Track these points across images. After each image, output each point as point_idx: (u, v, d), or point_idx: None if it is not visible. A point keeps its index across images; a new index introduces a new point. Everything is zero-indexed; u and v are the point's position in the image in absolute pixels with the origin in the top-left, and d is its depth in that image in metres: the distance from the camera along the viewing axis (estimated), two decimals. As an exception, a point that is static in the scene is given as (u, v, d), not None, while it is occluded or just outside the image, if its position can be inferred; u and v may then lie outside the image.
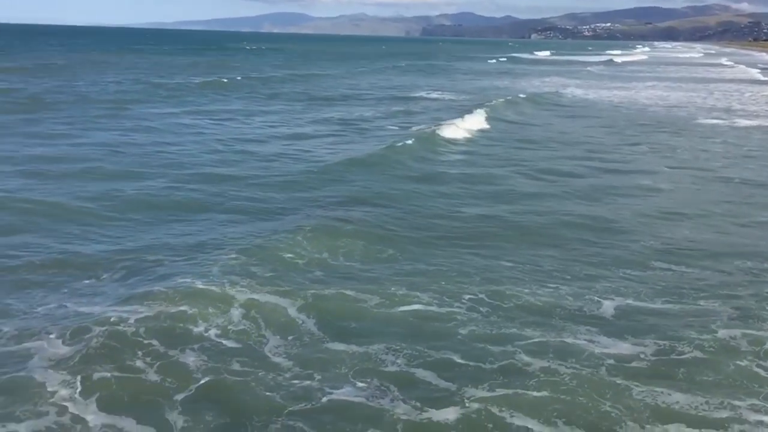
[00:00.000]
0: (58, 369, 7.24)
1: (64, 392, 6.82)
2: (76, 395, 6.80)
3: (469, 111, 29.14)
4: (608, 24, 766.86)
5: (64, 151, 19.54)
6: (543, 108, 33.85)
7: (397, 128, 25.87)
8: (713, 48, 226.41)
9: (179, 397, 6.83)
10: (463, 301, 9.22)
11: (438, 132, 23.13)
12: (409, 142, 21.10)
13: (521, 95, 36.18)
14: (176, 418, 6.49)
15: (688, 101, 39.22)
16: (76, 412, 6.54)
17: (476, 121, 26.22)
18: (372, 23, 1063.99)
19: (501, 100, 33.60)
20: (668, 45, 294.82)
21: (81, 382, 6.99)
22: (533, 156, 20.91)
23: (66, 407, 6.60)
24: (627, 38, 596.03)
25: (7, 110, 27.59)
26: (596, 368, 7.57)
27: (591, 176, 18.23)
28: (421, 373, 7.38)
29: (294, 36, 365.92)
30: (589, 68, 74.65)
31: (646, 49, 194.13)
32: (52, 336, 7.95)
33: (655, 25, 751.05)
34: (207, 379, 7.14)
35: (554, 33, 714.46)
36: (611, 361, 7.74)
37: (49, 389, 6.85)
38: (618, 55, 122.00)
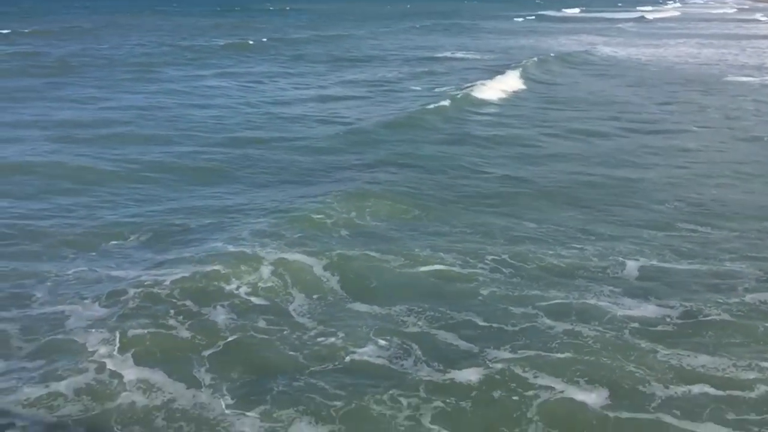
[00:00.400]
0: (95, 328, 7.49)
1: (102, 350, 7.09)
2: (114, 353, 7.05)
3: (499, 71, 28.67)
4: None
5: (92, 115, 19.80)
6: (573, 67, 33.05)
7: (426, 89, 25.57)
8: (747, 2, 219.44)
9: (208, 353, 7.08)
10: (486, 261, 9.22)
11: (469, 93, 22.78)
12: (442, 103, 20.72)
13: (551, 54, 35.41)
14: (204, 375, 6.74)
15: (719, 58, 38.18)
16: (114, 368, 6.82)
17: (507, 82, 25.79)
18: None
19: (531, 60, 32.87)
20: (700, 0, 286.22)
21: (118, 339, 7.25)
22: (561, 116, 20.61)
23: (104, 364, 6.87)
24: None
25: (34, 74, 27.98)
26: (620, 331, 7.55)
27: (617, 136, 17.99)
28: (443, 335, 7.45)
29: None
30: (619, 25, 72.49)
31: (678, 4, 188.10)
32: (86, 299, 8.17)
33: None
34: (235, 336, 7.36)
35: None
36: (635, 324, 7.69)
37: (89, 348, 7.11)
38: (649, 11, 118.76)
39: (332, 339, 7.31)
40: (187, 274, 8.60)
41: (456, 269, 8.99)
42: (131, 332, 7.38)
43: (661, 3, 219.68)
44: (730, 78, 29.70)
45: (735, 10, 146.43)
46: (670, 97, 24.14)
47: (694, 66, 34.28)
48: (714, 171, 14.33)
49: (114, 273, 8.87)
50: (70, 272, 8.95)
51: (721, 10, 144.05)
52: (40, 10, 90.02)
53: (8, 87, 24.66)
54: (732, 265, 9.30)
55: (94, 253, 9.59)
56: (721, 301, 8.24)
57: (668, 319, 7.87)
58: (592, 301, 8.20)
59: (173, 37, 49.45)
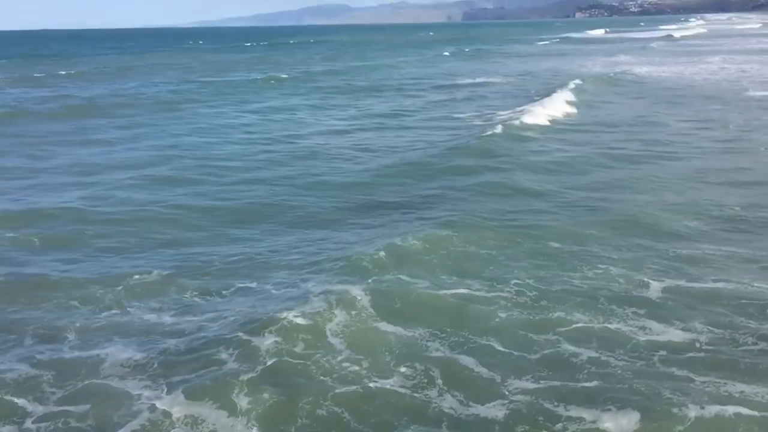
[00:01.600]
0: (130, 369, 7.46)
1: (143, 393, 6.99)
2: (160, 394, 6.94)
3: (544, 95, 28.06)
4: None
5: (123, 156, 19.51)
6: (616, 89, 32.17)
7: (474, 116, 25.01)
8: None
9: (247, 377, 7.03)
10: (511, 285, 9.12)
11: (518, 119, 22.23)
12: (494, 131, 20.14)
13: (591, 77, 34.49)
14: (242, 400, 6.71)
15: (761, 75, 36.89)
16: (159, 407, 6.68)
17: (553, 106, 24.93)
18: (413, 11, 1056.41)
19: (573, 83, 32.04)
20: (722, 17, 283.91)
21: (159, 380, 7.20)
22: (604, 139, 19.84)
23: (146, 406, 6.72)
24: (676, 12, 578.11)
25: (64, 116, 28.03)
26: (648, 357, 7.29)
27: (646, 157, 17.20)
28: (465, 361, 7.30)
29: (339, 27, 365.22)
30: (651, 44, 71.59)
31: (701, 22, 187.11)
32: (119, 343, 8.07)
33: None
34: (272, 361, 7.33)
35: (599, 10, 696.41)
36: (663, 351, 7.40)
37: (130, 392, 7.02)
38: (675, 30, 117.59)
39: (358, 365, 7.26)
40: (229, 309, 8.71)
41: (481, 293, 8.89)
42: (171, 370, 7.37)
43: (683, 21, 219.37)
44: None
45: (760, 25, 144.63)
46: (708, 116, 23.16)
47: (735, 83, 32.88)
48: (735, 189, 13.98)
49: (146, 316, 8.76)
50: (102, 316, 8.82)
51: (746, 26, 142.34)
52: (69, 52, 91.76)
53: (40, 130, 24.74)
54: (759, 285, 8.95)
55: (125, 296, 9.40)
56: (752, 324, 7.92)
57: (698, 344, 7.54)
58: (617, 326, 7.98)
59: (200, 74, 49.99)
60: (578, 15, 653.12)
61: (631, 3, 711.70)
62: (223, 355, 7.48)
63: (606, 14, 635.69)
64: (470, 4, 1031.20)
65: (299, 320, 8.03)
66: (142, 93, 36.27)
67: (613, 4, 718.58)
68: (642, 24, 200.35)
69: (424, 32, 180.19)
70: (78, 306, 9.08)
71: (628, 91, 31.56)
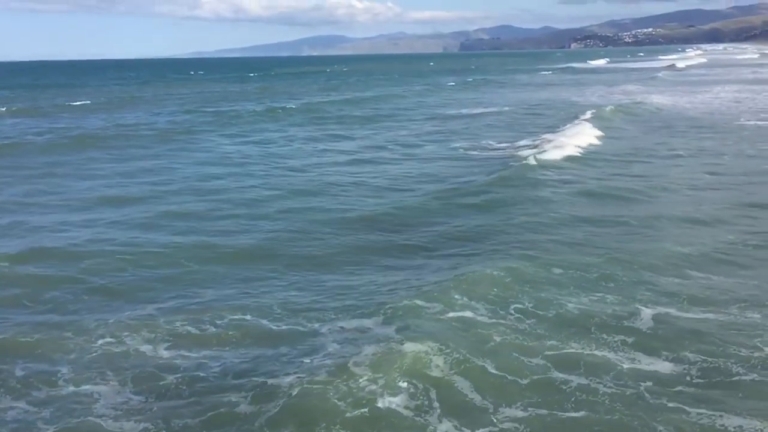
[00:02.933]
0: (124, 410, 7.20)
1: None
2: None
3: (559, 128, 27.41)
4: (650, 29, 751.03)
5: (136, 190, 18.51)
6: (635, 117, 31.23)
7: (496, 148, 24.23)
8: (766, 48, 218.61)
9: (265, 411, 6.89)
10: (511, 310, 9.22)
11: (541, 151, 21.23)
12: (507, 171, 19.00)
13: (606, 108, 33.48)
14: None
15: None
16: None
17: (577, 139, 23.87)
18: (410, 41, 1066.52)
19: (588, 113, 31.14)
20: (718, 47, 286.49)
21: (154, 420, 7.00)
22: (625, 170, 19.15)
23: None
24: (669, 42, 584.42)
25: (69, 148, 26.86)
26: (636, 387, 7.19)
27: (653, 195, 16.19)
28: (462, 384, 7.32)
29: (337, 58, 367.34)
30: (658, 74, 71.06)
31: (699, 52, 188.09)
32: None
33: (699, 27, 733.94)
34: (279, 405, 6.97)
35: (594, 41, 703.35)
36: (650, 382, 7.29)
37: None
38: (677, 60, 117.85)
39: (373, 384, 7.17)
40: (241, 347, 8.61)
41: (481, 318, 8.99)
42: (166, 405, 7.25)
43: (680, 51, 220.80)
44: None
45: (758, 55, 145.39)
46: (723, 147, 22.46)
47: (753, 113, 32.06)
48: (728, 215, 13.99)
49: (142, 348, 8.60)
50: (97, 350, 8.59)
51: (745, 56, 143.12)
52: (70, 83, 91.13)
53: (38, 162, 23.68)
54: (748, 315, 8.94)
55: (120, 330, 9.15)
56: (742, 355, 7.80)
57: (689, 378, 7.44)
58: (608, 354, 7.99)
59: (206, 104, 48.86)
60: (573, 45, 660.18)
61: (626, 34, 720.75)
62: (228, 398, 7.29)
63: (601, 45, 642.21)
64: (466, 35, 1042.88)
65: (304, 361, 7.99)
66: (144, 124, 35.33)
67: (608, 35, 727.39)
68: (641, 54, 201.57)
69: (424, 62, 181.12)
70: (72, 339, 8.87)
71: (645, 120, 30.77)
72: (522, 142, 24.73)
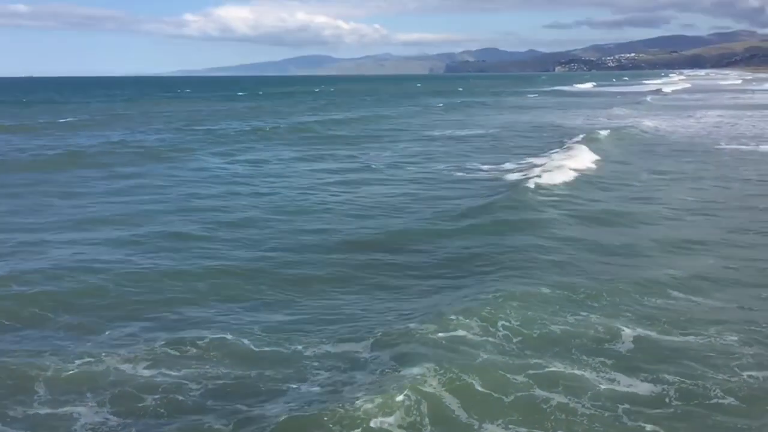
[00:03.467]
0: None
1: None
2: None
3: (553, 150, 27.33)
4: (633, 54, 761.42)
5: (109, 210, 17.89)
6: (631, 144, 31.06)
7: (486, 170, 23.92)
8: (747, 74, 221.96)
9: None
10: (499, 328, 9.29)
11: (539, 177, 20.78)
12: (501, 195, 18.68)
13: (602, 132, 33.39)
14: None
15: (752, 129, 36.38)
16: None
17: (571, 162, 23.61)
18: (396, 62, 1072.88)
19: (580, 137, 31.08)
20: (701, 72, 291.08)
21: None
22: (621, 193, 18.91)
23: None
24: (652, 67, 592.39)
25: (49, 166, 26.16)
26: (614, 409, 7.26)
27: (653, 221, 15.98)
28: (450, 401, 7.39)
29: (323, 78, 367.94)
30: (646, 98, 71.55)
31: (683, 77, 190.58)
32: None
33: (681, 53, 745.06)
34: (285, 417, 6.98)
35: (578, 65, 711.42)
36: (627, 404, 7.35)
37: None
38: (662, 84, 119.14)
39: (368, 405, 7.05)
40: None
41: (471, 336, 9.03)
42: (144, 427, 7.11)
43: (663, 76, 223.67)
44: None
45: (740, 81, 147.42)
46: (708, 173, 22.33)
47: (748, 139, 32.13)
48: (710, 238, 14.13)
49: (122, 367, 8.41)
50: (74, 368, 8.37)
51: (728, 81, 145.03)
52: (57, 99, 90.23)
53: (21, 181, 23.05)
54: (727, 338, 9.03)
55: (99, 349, 8.95)
56: (720, 378, 7.87)
57: (667, 399, 7.49)
58: (587, 374, 8.05)
59: (192, 122, 48.25)
60: (558, 69, 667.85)
61: (609, 58, 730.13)
62: (208, 423, 7.11)
63: (585, 68, 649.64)
64: (452, 57, 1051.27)
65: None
66: (131, 142, 34.76)
67: (592, 59, 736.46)
68: (626, 78, 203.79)
69: (410, 83, 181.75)
70: (50, 357, 8.63)
71: (641, 143, 30.83)
72: (509, 165, 24.67)
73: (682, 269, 11.83)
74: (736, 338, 8.93)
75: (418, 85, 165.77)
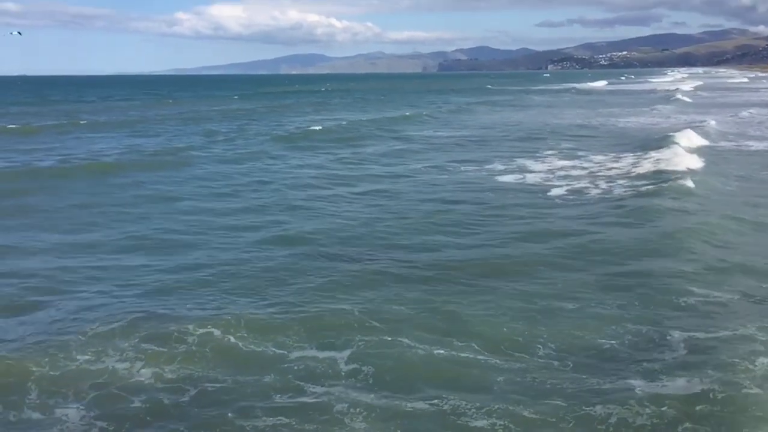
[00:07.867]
0: None
1: None
2: None
3: (624, 155, 25.23)
4: (624, 52, 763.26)
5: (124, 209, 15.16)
6: (714, 150, 27.75)
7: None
8: (748, 72, 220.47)
9: None
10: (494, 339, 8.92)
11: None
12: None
13: (671, 133, 30.18)
14: None
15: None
16: None
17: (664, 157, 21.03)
18: (389, 61, 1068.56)
19: (682, 138, 28.45)
20: (698, 70, 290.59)
21: None
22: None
23: None
24: (644, 65, 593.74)
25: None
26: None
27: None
28: None
29: (316, 76, 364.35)
30: (677, 96, 68.71)
31: (685, 75, 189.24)
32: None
33: (672, 51, 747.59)
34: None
35: (570, 63, 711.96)
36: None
37: None
38: (673, 82, 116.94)
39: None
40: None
41: (498, 361, 8.36)
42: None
43: (663, 74, 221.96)
44: None
45: (747, 79, 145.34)
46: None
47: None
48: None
49: (111, 367, 8.18)
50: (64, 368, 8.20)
51: (736, 80, 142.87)
52: (49, 99, 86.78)
53: (21, 187, 20.96)
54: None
55: (88, 346, 8.77)
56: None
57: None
58: (573, 388, 7.59)
59: (197, 127, 44.47)
60: (550, 67, 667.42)
61: (601, 57, 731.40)
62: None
63: (577, 67, 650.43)
64: (444, 55, 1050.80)
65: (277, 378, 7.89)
66: (127, 145, 32.66)
67: (584, 57, 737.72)
68: (632, 76, 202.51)
69: (407, 81, 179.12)
70: (38, 359, 8.44)
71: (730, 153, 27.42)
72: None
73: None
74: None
75: (416, 81, 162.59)
